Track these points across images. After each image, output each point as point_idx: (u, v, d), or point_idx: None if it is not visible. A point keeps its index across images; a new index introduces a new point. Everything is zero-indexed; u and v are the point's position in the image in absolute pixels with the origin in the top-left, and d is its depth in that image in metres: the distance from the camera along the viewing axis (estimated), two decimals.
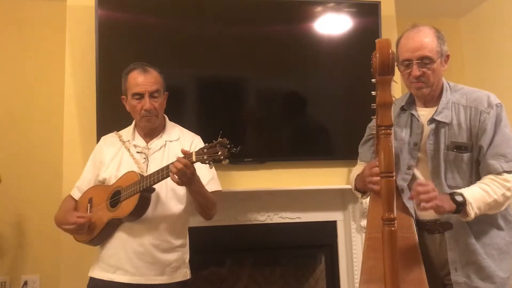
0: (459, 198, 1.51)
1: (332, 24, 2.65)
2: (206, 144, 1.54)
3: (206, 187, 1.80)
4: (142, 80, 1.80)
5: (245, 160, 2.51)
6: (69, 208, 1.88)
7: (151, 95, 1.80)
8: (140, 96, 1.80)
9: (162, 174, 1.64)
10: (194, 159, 1.54)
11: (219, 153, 1.47)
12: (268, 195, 2.53)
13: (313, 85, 2.64)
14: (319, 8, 2.64)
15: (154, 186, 1.75)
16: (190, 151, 1.61)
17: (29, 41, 2.90)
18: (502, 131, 1.61)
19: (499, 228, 1.64)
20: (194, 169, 1.62)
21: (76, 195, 1.93)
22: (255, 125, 2.60)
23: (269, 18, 2.63)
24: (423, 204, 1.45)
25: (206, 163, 1.52)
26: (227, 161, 1.48)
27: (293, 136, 2.65)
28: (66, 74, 2.43)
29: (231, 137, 2.46)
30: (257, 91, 2.61)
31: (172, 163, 1.60)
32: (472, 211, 1.51)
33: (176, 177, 1.60)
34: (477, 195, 1.53)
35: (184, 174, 1.58)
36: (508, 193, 1.57)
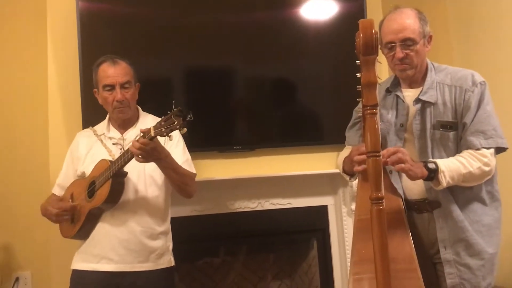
0: (431, 166, 1.54)
1: (318, 9, 2.63)
2: (162, 117, 1.55)
3: None
4: (112, 71, 1.83)
5: (235, 147, 2.51)
6: (54, 199, 1.92)
7: (122, 86, 1.82)
8: (111, 87, 1.83)
9: (127, 155, 1.67)
10: (152, 134, 1.56)
11: (175, 122, 1.48)
12: (258, 182, 2.53)
13: (301, 70, 2.63)
14: None
15: (133, 173, 1.78)
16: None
17: (9, 34, 2.83)
18: (484, 109, 1.63)
19: (485, 204, 1.67)
20: (156, 144, 1.64)
21: (58, 192, 1.96)
22: (243, 113, 2.59)
23: (255, 4, 2.61)
24: (396, 166, 1.49)
25: (165, 135, 1.53)
26: (185, 129, 1.50)
27: (282, 122, 2.64)
28: (49, 65, 2.39)
29: (219, 125, 2.51)
30: (244, 79, 2.59)
31: (131, 144, 1.62)
32: (444, 179, 1.54)
33: (140, 156, 1.62)
34: (451, 165, 1.56)
35: (145, 151, 1.60)
36: (485, 168, 1.59)
